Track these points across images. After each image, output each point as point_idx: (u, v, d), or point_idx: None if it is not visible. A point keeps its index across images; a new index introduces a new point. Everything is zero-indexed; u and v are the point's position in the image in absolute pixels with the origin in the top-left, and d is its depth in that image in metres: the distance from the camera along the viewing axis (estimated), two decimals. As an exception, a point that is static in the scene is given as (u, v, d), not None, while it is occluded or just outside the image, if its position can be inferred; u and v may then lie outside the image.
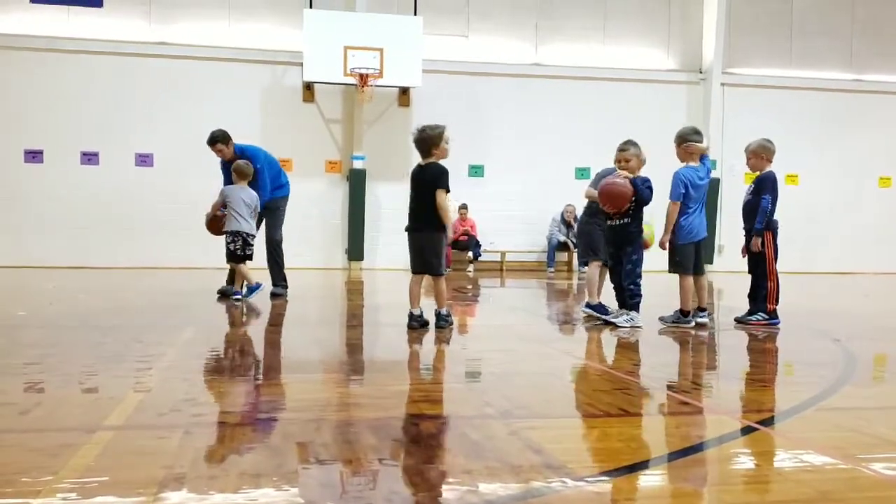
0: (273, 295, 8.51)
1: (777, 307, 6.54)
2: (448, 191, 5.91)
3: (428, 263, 5.98)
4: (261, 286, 8.24)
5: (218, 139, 8.40)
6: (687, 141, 6.54)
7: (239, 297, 8.10)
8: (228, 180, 8.43)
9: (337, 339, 6.08)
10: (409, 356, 5.16)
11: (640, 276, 6.37)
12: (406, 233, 6.12)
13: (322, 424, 3.07)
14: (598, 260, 7.00)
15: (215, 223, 8.28)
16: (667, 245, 6.49)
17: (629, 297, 6.35)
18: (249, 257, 8.13)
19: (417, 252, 6.04)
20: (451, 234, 6.03)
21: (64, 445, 2.70)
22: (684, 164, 6.57)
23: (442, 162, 5.98)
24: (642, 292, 6.37)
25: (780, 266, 6.64)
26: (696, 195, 6.47)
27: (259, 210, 8.24)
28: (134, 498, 2.21)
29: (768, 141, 6.74)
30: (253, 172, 8.16)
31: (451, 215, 5.98)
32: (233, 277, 8.46)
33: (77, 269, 13.41)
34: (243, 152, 8.46)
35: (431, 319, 6.05)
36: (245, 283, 8.19)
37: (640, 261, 6.39)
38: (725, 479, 2.59)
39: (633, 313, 6.31)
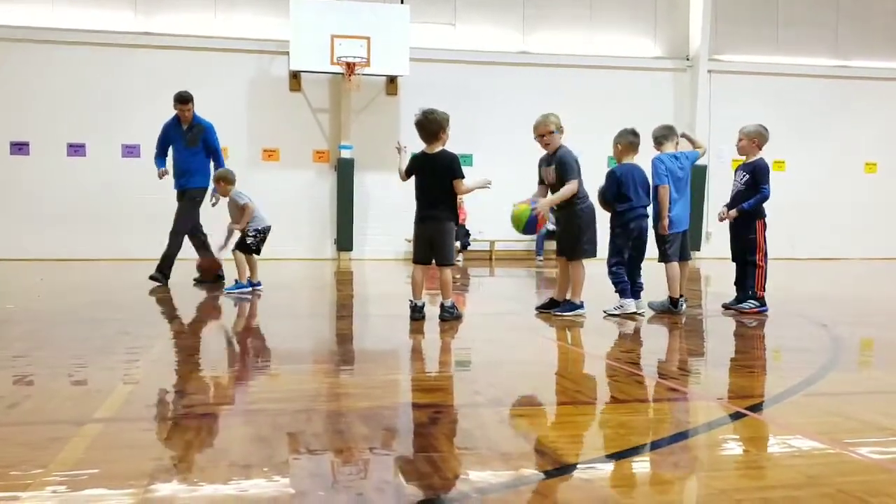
0: (152, 277, 8.51)
1: (764, 294, 6.56)
2: (463, 177, 5.88)
3: (440, 254, 5.91)
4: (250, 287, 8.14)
5: (191, 98, 8.49)
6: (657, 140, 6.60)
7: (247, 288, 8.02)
8: (171, 143, 8.65)
9: (327, 329, 6.08)
10: (399, 346, 5.16)
11: (615, 265, 6.31)
12: (417, 223, 5.96)
13: (312, 415, 3.07)
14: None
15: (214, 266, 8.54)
16: (666, 229, 6.37)
17: (613, 286, 6.36)
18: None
19: (428, 242, 5.92)
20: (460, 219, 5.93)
21: (53, 438, 2.69)
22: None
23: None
24: (626, 279, 6.31)
25: (768, 252, 6.67)
26: (677, 185, 6.44)
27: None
28: (124, 490, 2.20)
29: (765, 129, 6.64)
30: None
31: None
32: (205, 271, 8.56)
33: (64, 261, 13.33)
34: (200, 122, 8.61)
35: (429, 310, 6.02)
36: (249, 276, 8.12)
37: (617, 248, 6.37)
38: (715, 465, 2.60)
39: (623, 300, 6.31)
